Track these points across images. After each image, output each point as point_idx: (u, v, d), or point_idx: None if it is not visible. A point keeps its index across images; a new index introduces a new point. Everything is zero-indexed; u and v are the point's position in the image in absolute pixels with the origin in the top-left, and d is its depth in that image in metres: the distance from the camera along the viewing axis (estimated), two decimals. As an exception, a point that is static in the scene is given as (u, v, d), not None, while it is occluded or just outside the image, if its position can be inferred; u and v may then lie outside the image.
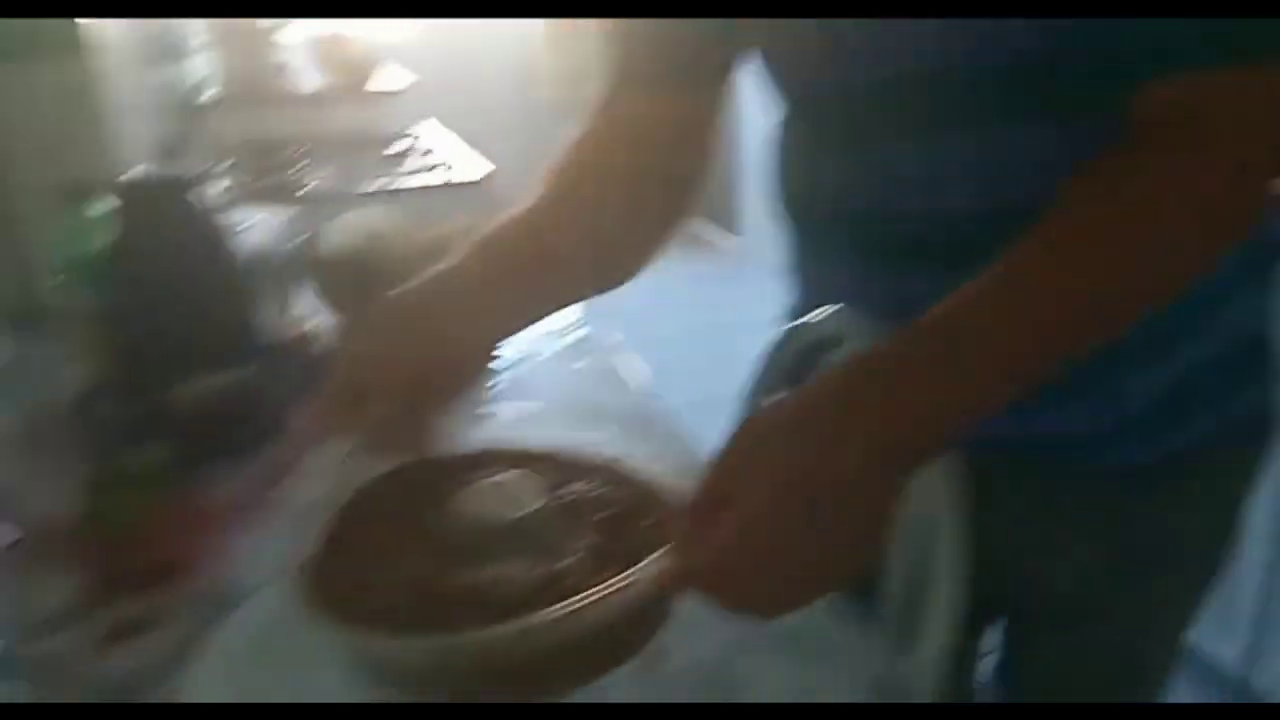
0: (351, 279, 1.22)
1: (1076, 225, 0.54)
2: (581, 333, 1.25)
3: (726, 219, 4.89)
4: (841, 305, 0.71)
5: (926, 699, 0.59)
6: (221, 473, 0.84)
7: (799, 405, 0.52)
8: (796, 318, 0.84)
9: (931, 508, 0.68)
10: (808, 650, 0.63)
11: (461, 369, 0.69)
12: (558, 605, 0.48)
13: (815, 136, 0.74)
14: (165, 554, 0.75)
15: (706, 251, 4.91)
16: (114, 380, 0.93)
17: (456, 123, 2.95)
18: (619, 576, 0.50)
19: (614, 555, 0.54)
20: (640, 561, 0.51)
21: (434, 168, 2.23)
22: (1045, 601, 0.80)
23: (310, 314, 1.28)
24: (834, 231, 0.76)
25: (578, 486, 0.60)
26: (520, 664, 0.50)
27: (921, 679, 0.61)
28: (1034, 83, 0.60)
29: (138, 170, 0.95)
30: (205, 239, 0.91)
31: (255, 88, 2.62)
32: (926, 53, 0.62)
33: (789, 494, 0.48)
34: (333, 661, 0.53)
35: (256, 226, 1.21)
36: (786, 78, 0.73)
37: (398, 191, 2.06)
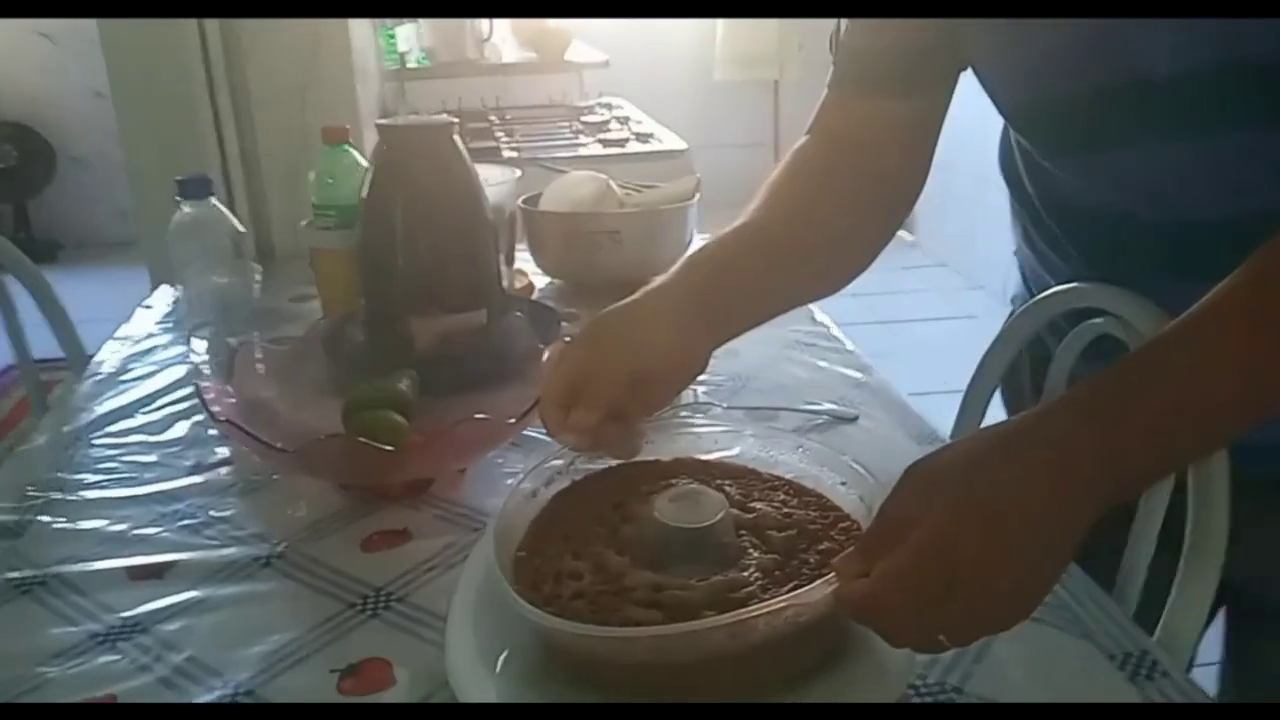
0: (568, 239, 1.27)
1: None
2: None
3: (907, 221, 4.79)
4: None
5: (1177, 676, 0.57)
6: (462, 405, 0.88)
7: (982, 442, 0.52)
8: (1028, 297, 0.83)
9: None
10: (1047, 618, 0.62)
11: (673, 378, 0.71)
12: (728, 615, 0.50)
13: (1028, 140, 0.74)
14: (418, 471, 0.80)
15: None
16: (363, 314, 0.99)
17: (643, 101, 3.00)
18: (790, 594, 0.52)
19: (788, 574, 0.56)
20: (812, 582, 0.52)
21: (647, 136, 2.27)
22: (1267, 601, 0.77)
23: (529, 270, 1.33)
24: (1060, 228, 0.76)
25: (761, 505, 0.62)
26: (687, 666, 0.52)
27: (1171, 652, 0.59)
28: (1264, 87, 0.58)
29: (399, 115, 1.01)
30: (460, 183, 0.95)
31: (460, 57, 2.72)
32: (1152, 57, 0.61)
33: (960, 529, 0.47)
34: (523, 630, 0.57)
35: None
36: (997, 86, 0.72)
37: (607, 156, 2.11)
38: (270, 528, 0.76)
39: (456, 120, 0.99)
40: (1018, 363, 0.93)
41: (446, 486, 0.81)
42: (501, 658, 0.57)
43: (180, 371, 1.08)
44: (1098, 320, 0.78)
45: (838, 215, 0.76)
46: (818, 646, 0.55)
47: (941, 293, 4.03)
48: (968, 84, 0.76)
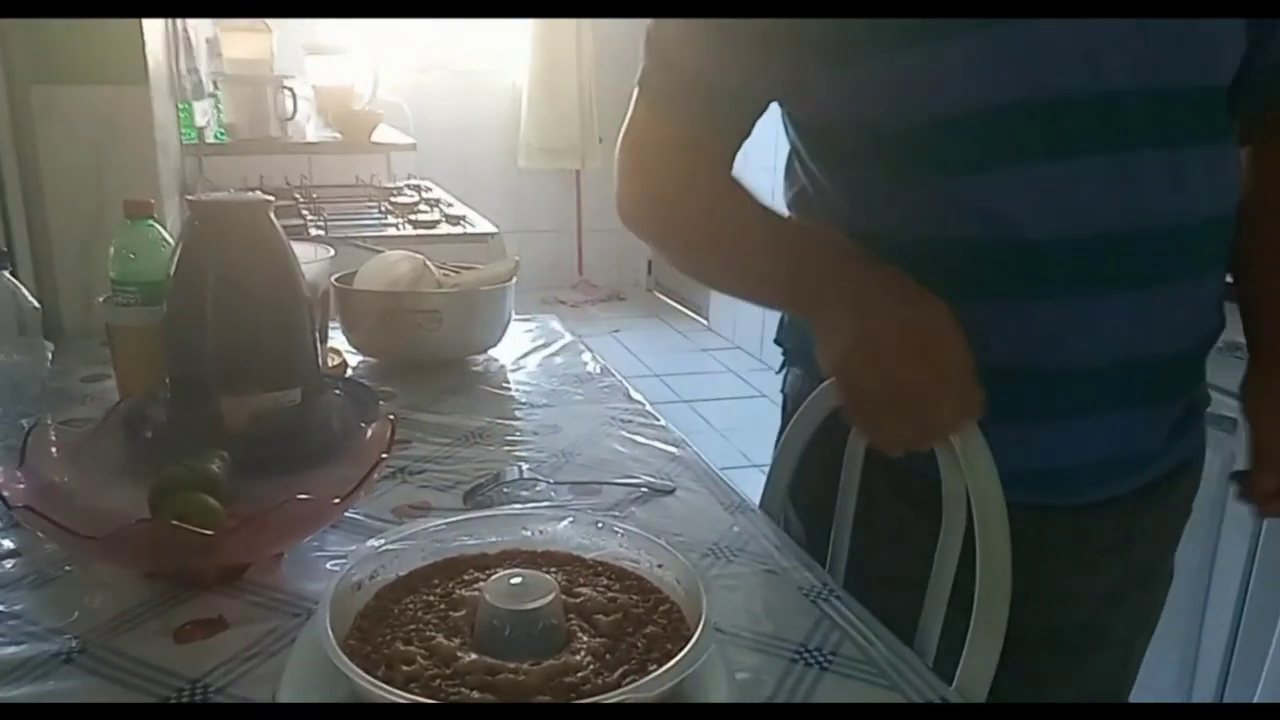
0: (386, 318, 1.26)
1: None
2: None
3: (701, 305, 5.00)
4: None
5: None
6: (277, 486, 0.86)
7: None
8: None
9: (988, 537, 0.73)
10: (856, 673, 0.67)
11: None
12: (583, 703, 0.52)
13: (898, 172, 0.79)
14: (234, 556, 0.76)
15: (685, 328, 4.99)
16: (167, 393, 0.95)
17: (450, 185, 3.02)
18: (629, 687, 0.54)
19: (618, 658, 0.58)
20: (640, 663, 0.56)
21: (458, 219, 2.28)
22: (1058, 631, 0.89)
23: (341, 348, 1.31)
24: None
25: (586, 590, 0.64)
26: None
27: (966, 698, 0.65)
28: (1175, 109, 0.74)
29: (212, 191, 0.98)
30: (276, 260, 0.94)
31: (262, 134, 2.66)
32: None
33: None
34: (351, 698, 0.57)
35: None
36: (877, 113, 0.77)
37: (419, 237, 2.10)
38: (69, 621, 0.71)
39: (272, 197, 0.98)
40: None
41: (263, 572, 0.78)
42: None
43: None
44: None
45: None
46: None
47: (737, 373, 4.21)
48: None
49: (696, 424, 3.31)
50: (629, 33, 5.08)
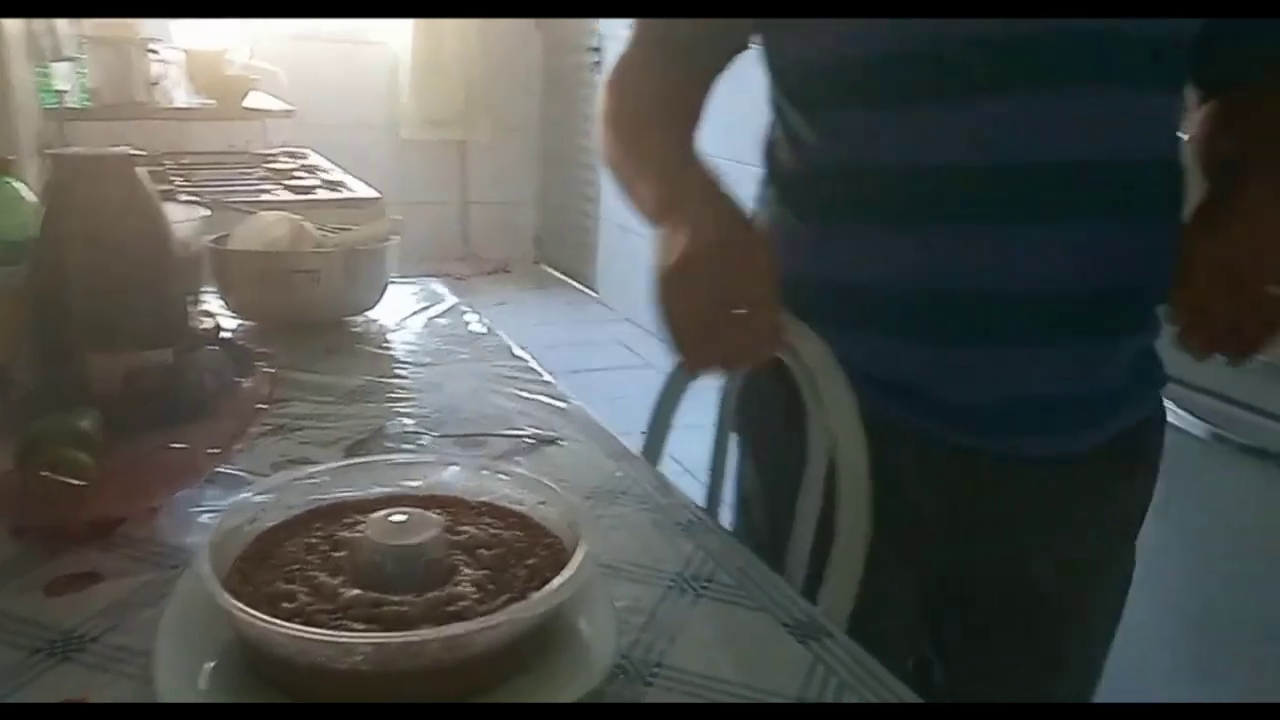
0: (263, 279, 1.24)
1: None
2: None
3: (589, 278, 5.01)
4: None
5: (839, 635, 0.66)
6: (152, 445, 0.84)
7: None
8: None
9: (843, 459, 0.77)
10: (728, 597, 0.70)
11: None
12: (458, 625, 0.54)
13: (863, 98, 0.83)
14: (108, 509, 0.75)
15: (573, 301, 5.00)
16: (31, 353, 0.92)
17: (329, 154, 2.96)
18: (508, 609, 0.56)
19: (501, 588, 0.60)
20: (522, 591, 0.58)
21: (337, 185, 2.24)
22: (991, 596, 0.92)
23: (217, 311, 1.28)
24: (879, 192, 0.85)
25: (470, 529, 0.66)
26: (403, 676, 0.54)
27: (831, 619, 0.69)
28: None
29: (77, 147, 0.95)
30: (144, 214, 0.92)
31: (127, 98, 2.56)
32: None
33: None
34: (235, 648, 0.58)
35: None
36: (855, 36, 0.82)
37: (296, 202, 2.06)
38: (-69, 580, 0.69)
39: (140, 151, 0.96)
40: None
41: (137, 527, 0.77)
42: (206, 673, 0.56)
43: None
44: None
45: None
46: (528, 649, 0.59)
47: (625, 344, 4.24)
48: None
49: (584, 394, 3.32)
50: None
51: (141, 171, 0.92)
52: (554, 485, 0.69)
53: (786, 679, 0.62)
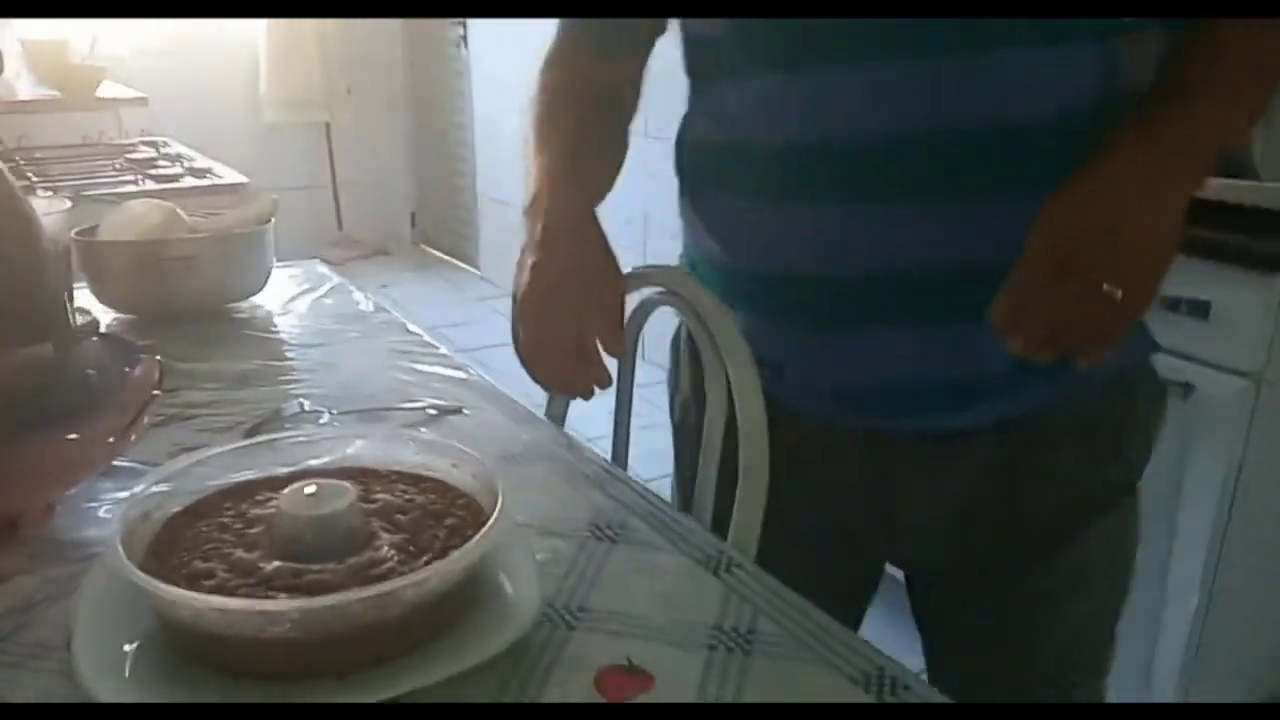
0: (136, 269, 1.20)
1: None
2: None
3: (470, 255, 4.96)
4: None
5: (749, 565, 0.70)
6: (41, 442, 0.82)
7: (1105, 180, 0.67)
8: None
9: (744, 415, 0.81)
10: (642, 539, 0.73)
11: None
12: (383, 585, 0.55)
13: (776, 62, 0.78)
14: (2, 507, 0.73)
15: (455, 280, 4.94)
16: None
17: (190, 142, 2.85)
18: (432, 565, 0.57)
19: (421, 549, 0.61)
20: (442, 550, 0.60)
21: (204, 172, 2.16)
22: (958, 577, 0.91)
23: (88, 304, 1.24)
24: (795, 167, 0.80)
25: (383, 495, 0.67)
26: (329, 641, 0.55)
27: (740, 554, 0.72)
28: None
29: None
30: (10, 207, 0.88)
31: (-36, 93, 2.41)
32: None
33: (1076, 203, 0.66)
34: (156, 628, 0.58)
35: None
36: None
37: (163, 192, 1.98)
38: None
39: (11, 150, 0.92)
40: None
41: (33, 525, 0.75)
42: (130, 656, 0.56)
43: None
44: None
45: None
46: (455, 605, 0.60)
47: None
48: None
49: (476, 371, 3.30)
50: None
51: (1, 165, 0.88)
52: (464, 448, 0.70)
53: (705, 610, 0.65)
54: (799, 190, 0.79)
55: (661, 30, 0.91)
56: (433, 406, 0.98)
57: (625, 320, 0.82)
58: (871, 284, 0.78)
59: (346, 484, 0.64)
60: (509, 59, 4.17)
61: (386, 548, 0.61)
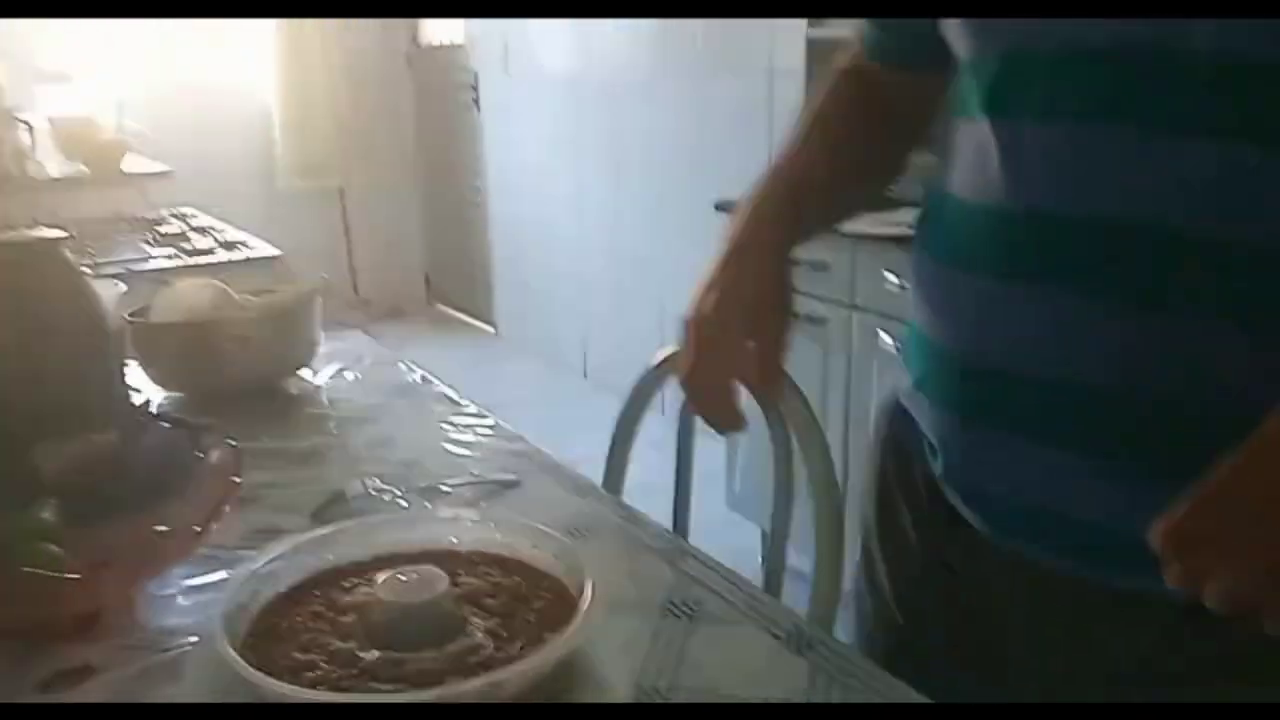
0: (189, 350, 1.22)
1: None
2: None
3: (485, 313, 5.00)
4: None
5: (830, 641, 0.70)
6: (113, 531, 0.83)
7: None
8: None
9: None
10: (720, 616, 0.73)
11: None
12: (477, 679, 0.56)
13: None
14: (84, 605, 0.74)
15: (471, 339, 4.97)
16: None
17: (210, 211, 2.90)
18: (531, 651, 0.59)
19: (514, 634, 0.62)
20: (535, 635, 0.61)
21: (234, 244, 2.19)
22: None
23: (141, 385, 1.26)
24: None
25: (468, 579, 0.68)
26: None
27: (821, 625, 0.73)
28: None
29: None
30: (79, 298, 0.90)
31: (-2, 172, 2.46)
32: None
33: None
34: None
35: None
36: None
37: (198, 266, 2.01)
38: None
39: (64, 232, 0.94)
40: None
41: (118, 614, 0.76)
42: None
43: None
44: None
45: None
46: (553, 688, 0.61)
47: (533, 378, 4.24)
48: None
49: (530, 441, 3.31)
50: (377, 41, 5.01)
51: (67, 253, 0.91)
52: (543, 527, 0.71)
53: (791, 689, 0.65)
54: (991, 259, 0.68)
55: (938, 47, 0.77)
56: (492, 480, 0.99)
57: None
58: (1035, 386, 0.66)
59: (439, 570, 0.65)
60: (521, 118, 4.24)
61: (480, 633, 0.62)
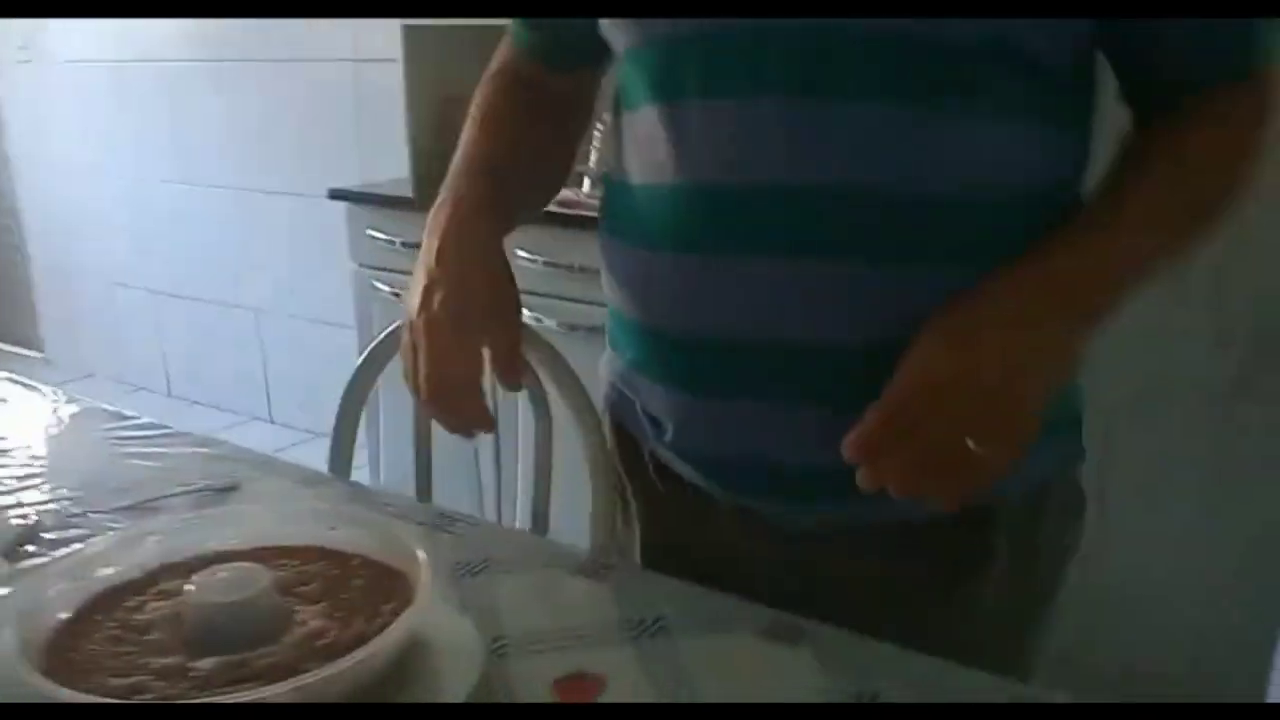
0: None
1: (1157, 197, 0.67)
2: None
3: (30, 338, 4.37)
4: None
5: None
6: None
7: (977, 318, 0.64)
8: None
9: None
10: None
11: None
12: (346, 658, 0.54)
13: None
14: None
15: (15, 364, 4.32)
16: None
17: None
18: (374, 624, 0.58)
19: (351, 613, 0.60)
20: (370, 609, 0.60)
21: None
22: None
23: None
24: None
25: (286, 573, 0.64)
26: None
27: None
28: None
29: None
30: None
31: None
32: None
33: (932, 352, 0.63)
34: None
35: None
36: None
37: None
38: None
39: None
40: None
41: None
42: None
43: None
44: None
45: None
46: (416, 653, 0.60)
47: (116, 401, 3.79)
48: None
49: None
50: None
51: None
52: (324, 508, 0.70)
53: (597, 617, 0.70)
54: (675, 237, 0.73)
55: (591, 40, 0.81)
56: (206, 487, 0.92)
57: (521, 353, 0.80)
58: (746, 351, 0.71)
59: (254, 565, 0.61)
60: (53, 113, 3.74)
61: (315, 619, 0.60)
